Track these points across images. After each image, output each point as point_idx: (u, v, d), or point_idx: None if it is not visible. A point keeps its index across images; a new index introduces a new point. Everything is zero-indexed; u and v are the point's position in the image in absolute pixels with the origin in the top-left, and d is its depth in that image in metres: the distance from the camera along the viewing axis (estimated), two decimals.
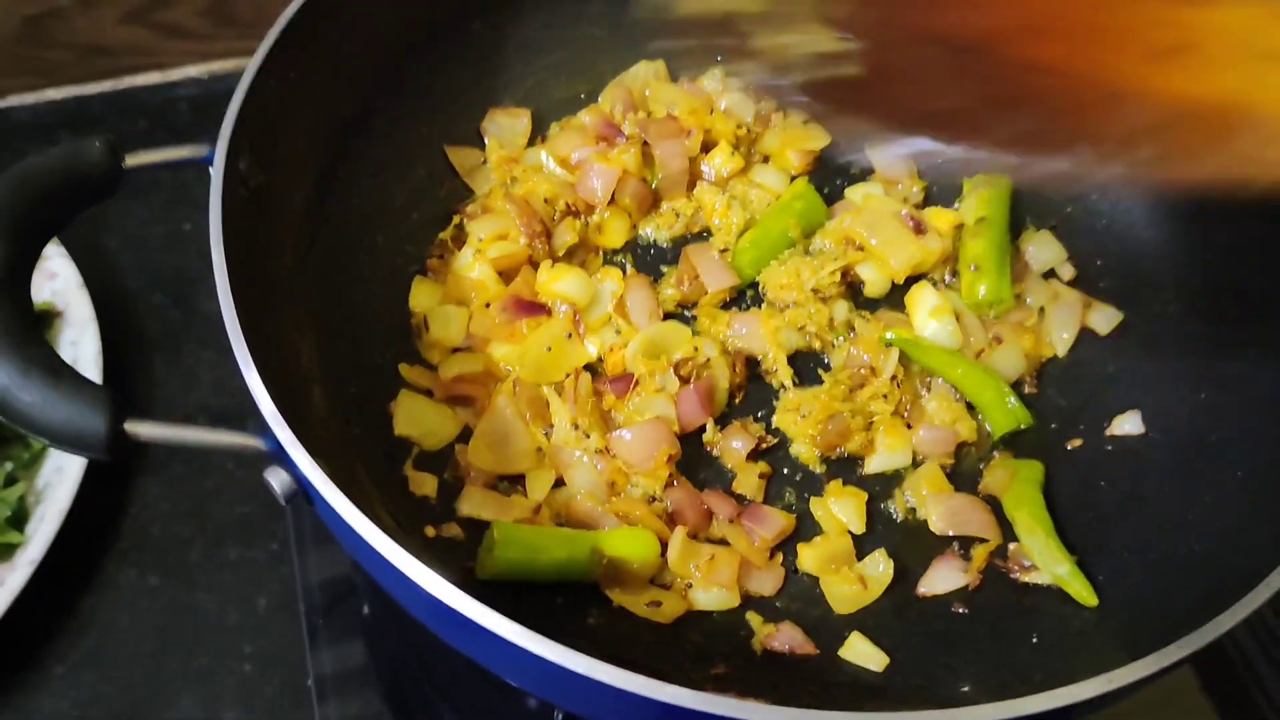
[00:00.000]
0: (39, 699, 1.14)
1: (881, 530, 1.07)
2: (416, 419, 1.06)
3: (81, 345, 1.27)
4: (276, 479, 0.82)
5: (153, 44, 1.68)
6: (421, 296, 1.15)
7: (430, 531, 0.99)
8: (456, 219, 1.20)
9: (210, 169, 0.94)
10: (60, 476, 1.18)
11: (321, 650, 1.16)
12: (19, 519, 1.16)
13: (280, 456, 0.81)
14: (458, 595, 0.74)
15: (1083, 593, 0.98)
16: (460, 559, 0.98)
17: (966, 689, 0.93)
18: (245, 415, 1.33)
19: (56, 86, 1.66)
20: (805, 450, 1.10)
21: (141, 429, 0.78)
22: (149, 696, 1.15)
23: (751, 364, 1.15)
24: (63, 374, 0.77)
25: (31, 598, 1.11)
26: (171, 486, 1.28)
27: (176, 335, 1.40)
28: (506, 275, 1.15)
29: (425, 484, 1.03)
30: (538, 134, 1.29)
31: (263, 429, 0.81)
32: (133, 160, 0.91)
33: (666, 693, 0.70)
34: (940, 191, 1.28)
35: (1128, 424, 1.11)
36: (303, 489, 0.82)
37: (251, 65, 0.98)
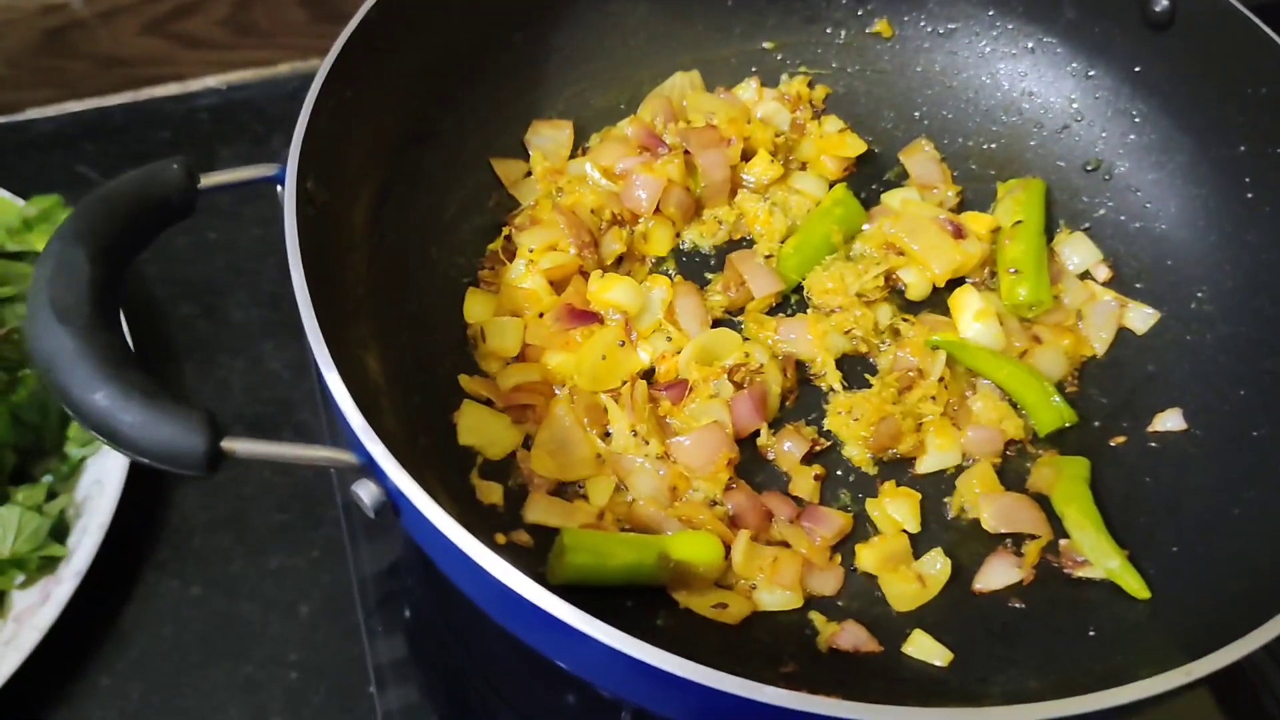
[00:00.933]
0: (88, 710, 1.14)
1: (936, 529, 1.09)
2: (479, 429, 1.08)
3: None
4: (366, 491, 0.84)
5: (172, 54, 1.68)
6: (476, 308, 1.16)
7: (501, 539, 1.01)
8: (506, 230, 1.22)
9: (279, 188, 0.95)
10: (100, 489, 1.19)
11: (379, 641, 1.17)
12: (60, 532, 1.17)
13: (371, 469, 0.82)
14: (556, 601, 0.76)
15: (1135, 586, 1.01)
16: (531, 565, 1.00)
17: (1030, 682, 0.95)
18: (280, 425, 1.34)
19: (78, 98, 1.66)
20: (858, 452, 1.12)
21: (239, 446, 0.80)
22: (196, 706, 1.15)
23: (800, 368, 1.17)
24: (159, 396, 0.78)
25: (75, 609, 1.12)
26: (210, 496, 1.28)
27: (207, 345, 1.41)
28: (558, 285, 1.17)
29: (492, 492, 1.05)
30: (578, 145, 1.31)
31: (352, 443, 0.83)
32: (208, 181, 0.92)
33: (766, 694, 0.72)
34: (975, 196, 1.31)
35: (1169, 421, 1.14)
36: (392, 501, 0.84)
37: (315, 85, 0.99)
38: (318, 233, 0.97)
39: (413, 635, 1.18)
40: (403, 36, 1.13)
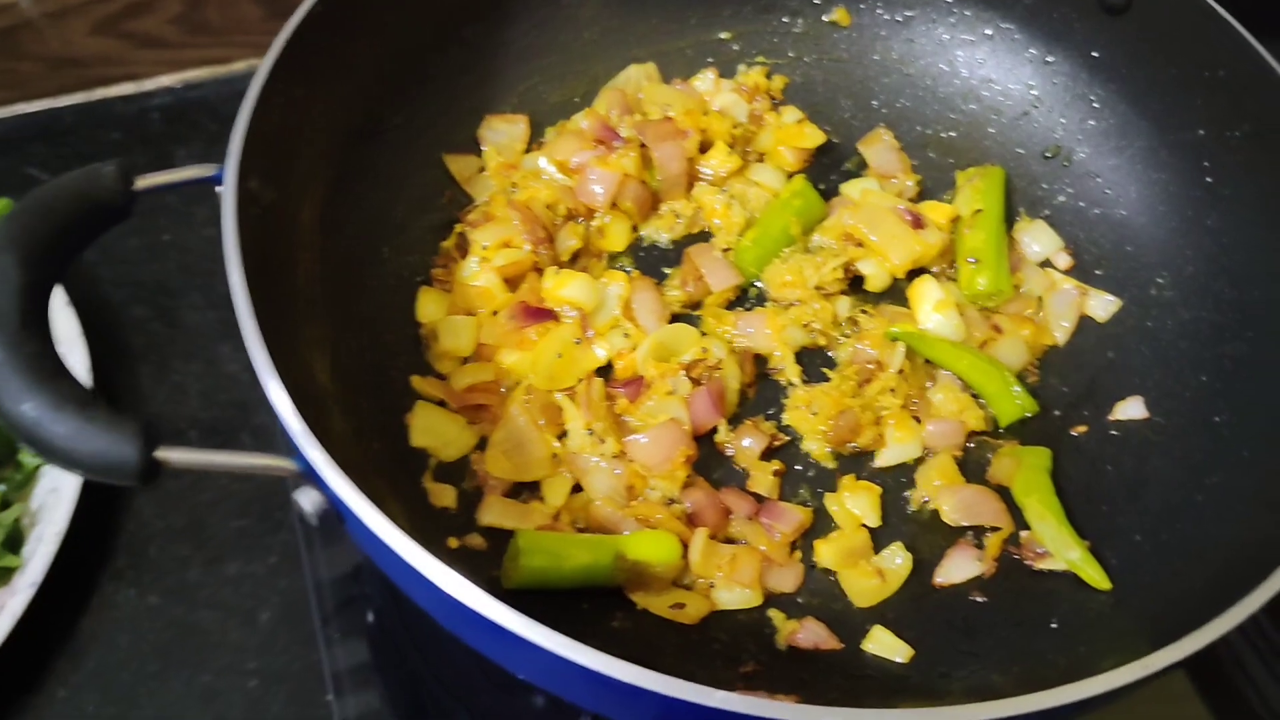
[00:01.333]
0: None
1: (896, 523, 1.08)
2: (433, 430, 1.06)
3: (70, 363, 1.25)
4: (307, 499, 0.82)
5: (124, 54, 1.65)
6: (429, 307, 1.15)
7: (453, 543, 1.00)
8: (459, 227, 1.20)
9: (218, 189, 0.93)
10: (56, 498, 1.16)
11: (336, 647, 1.16)
12: (15, 542, 1.15)
13: (311, 476, 0.81)
14: (501, 609, 0.74)
15: (1096, 577, 1.01)
16: (485, 569, 0.99)
17: (993, 676, 0.95)
18: (238, 428, 1.32)
19: (27, 100, 1.63)
20: (817, 446, 1.11)
21: (173, 455, 0.78)
22: (154, 717, 1.13)
23: (759, 363, 1.16)
24: (91, 405, 0.76)
25: (31, 620, 1.09)
26: (167, 503, 1.26)
27: (162, 349, 1.39)
28: (512, 282, 1.16)
29: (445, 495, 1.04)
30: (533, 139, 1.29)
31: (292, 449, 0.81)
32: (143, 183, 0.89)
33: (717, 698, 0.71)
34: (934, 185, 1.30)
35: (1131, 409, 1.13)
36: (335, 508, 0.82)
37: (256, 83, 0.97)
38: (264, 233, 0.95)
39: (375, 640, 1.16)
40: (349, 32, 1.10)
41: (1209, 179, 1.17)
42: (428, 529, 0.99)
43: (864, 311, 1.18)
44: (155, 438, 0.77)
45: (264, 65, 0.98)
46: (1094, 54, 1.26)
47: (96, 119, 1.62)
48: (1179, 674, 1.12)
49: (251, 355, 0.83)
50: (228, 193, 0.91)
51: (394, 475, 1.01)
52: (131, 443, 0.76)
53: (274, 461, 0.82)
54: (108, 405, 0.77)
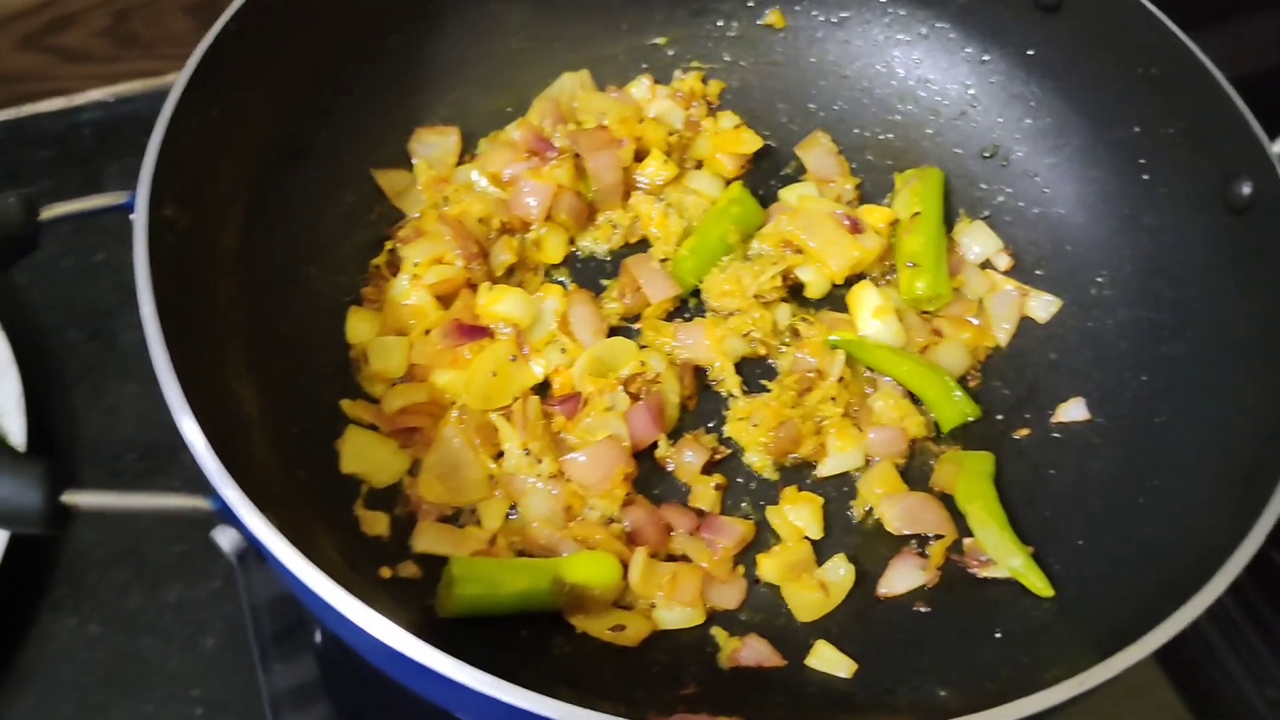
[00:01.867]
0: None
1: (840, 534, 1.07)
2: (364, 455, 1.04)
3: (2, 390, 1.22)
4: (225, 538, 0.80)
5: (52, 69, 1.61)
6: (358, 327, 1.12)
7: (386, 573, 0.97)
8: (389, 244, 1.17)
9: (131, 216, 0.90)
10: None
11: (275, 673, 1.13)
12: None
13: (228, 516, 0.78)
14: (425, 648, 0.72)
15: (1038, 584, 1.00)
16: (420, 597, 0.96)
17: (938, 691, 0.93)
18: (177, 450, 1.27)
19: None
20: (759, 459, 1.10)
21: (80, 499, 0.75)
22: None
23: (699, 374, 1.14)
24: None
25: None
26: (104, 530, 1.23)
27: (96, 371, 1.35)
28: (445, 300, 1.13)
29: (377, 523, 1.01)
30: (466, 152, 1.26)
31: (207, 488, 0.78)
32: (49, 213, 0.87)
33: None
34: (873, 188, 1.29)
35: (1073, 411, 1.12)
36: (253, 546, 0.80)
37: (167, 106, 0.94)
38: (180, 260, 0.93)
39: (323, 661, 1.14)
40: (267, 49, 1.08)
41: (1145, 176, 1.17)
42: (359, 559, 0.96)
43: (804, 319, 1.17)
44: (60, 481, 0.75)
45: (175, 88, 0.96)
46: (1029, 52, 1.25)
47: (24, 136, 1.58)
48: (1149, 663, 1.10)
49: (165, 390, 0.80)
50: (139, 221, 0.89)
51: (324, 504, 0.99)
52: (35, 488, 0.74)
53: (191, 502, 0.80)
54: (8, 448, 0.75)
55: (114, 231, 1.45)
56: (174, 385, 0.80)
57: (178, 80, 0.96)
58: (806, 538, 1.05)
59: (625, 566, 0.99)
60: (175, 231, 0.93)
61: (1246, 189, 1.04)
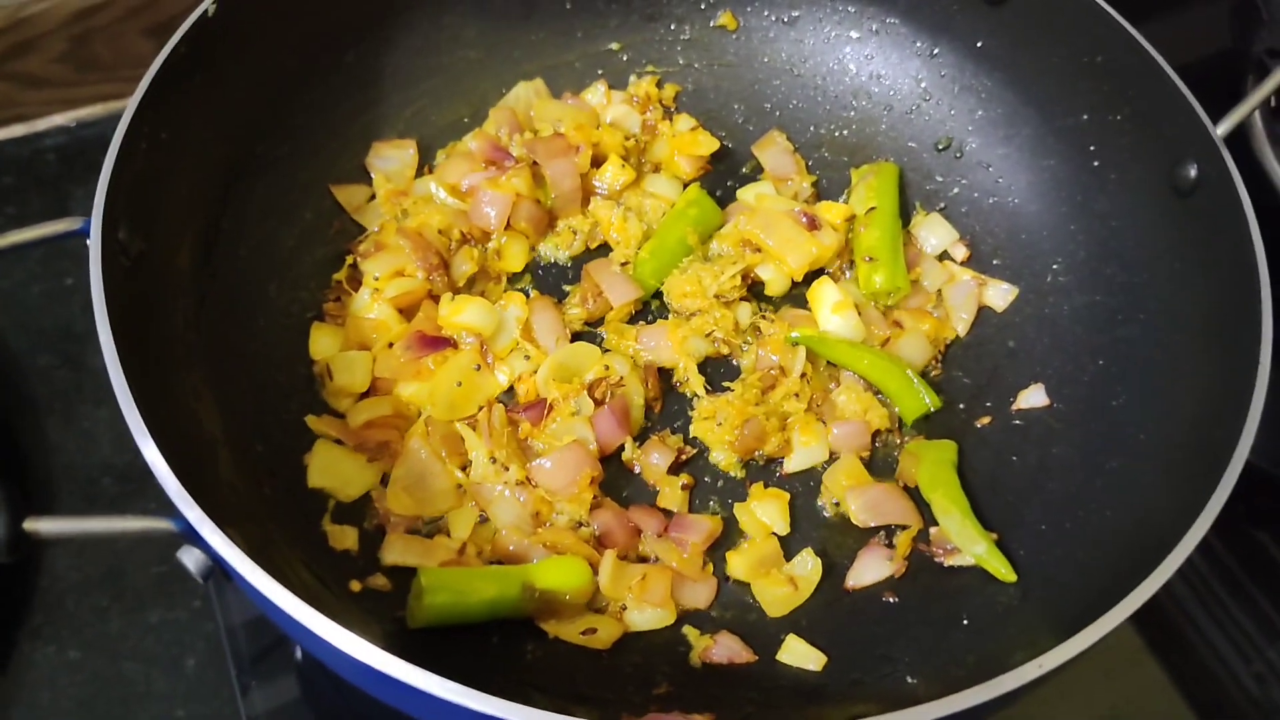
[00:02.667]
0: None
1: (807, 529, 1.08)
2: (331, 470, 1.04)
3: None
4: (191, 558, 0.80)
5: (12, 95, 1.61)
6: (321, 343, 1.12)
7: (356, 586, 0.98)
8: (350, 259, 1.18)
9: (88, 242, 0.91)
10: None
11: (253, 692, 1.13)
12: None
13: (192, 536, 0.79)
14: (394, 661, 0.73)
15: (1002, 570, 1.01)
16: (390, 609, 0.97)
17: (908, 679, 0.94)
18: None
19: None
20: (725, 457, 1.11)
21: (43, 526, 0.76)
22: None
23: (664, 376, 1.15)
24: None
25: None
26: (82, 553, 1.22)
27: (69, 396, 1.35)
28: (407, 312, 1.14)
29: (345, 537, 1.01)
30: (424, 163, 1.27)
31: (171, 509, 0.79)
32: (2, 243, 0.87)
33: None
34: (830, 184, 1.30)
35: (1033, 397, 1.14)
36: (219, 566, 0.80)
37: (119, 130, 0.94)
38: (135, 283, 0.93)
39: (305, 679, 1.14)
40: (220, 68, 1.08)
41: (1095, 163, 1.18)
42: (328, 574, 0.97)
43: (765, 317, 1.18)
44: (21, 508, 0.75)
45: (125, 113, 0.96)
46: (978, 44, 1.26)
47: None
48: (1129, 632, 1.10)
49: (125, 413, 0.81)
50: (94, 246, 0.89)
51: (291, 520, 0.99)
52: None
53: (155, 524, 0.80)
54: None
55: (82, 256, 1.45)
56: (132, 407, 0.80)
57: (128, 105, 0.96)
58: (774, 533, 1.06)
59: (595, 570, 1.00)
60: (130, 255, 0.94)
61: (1192, 171, 1.05)
